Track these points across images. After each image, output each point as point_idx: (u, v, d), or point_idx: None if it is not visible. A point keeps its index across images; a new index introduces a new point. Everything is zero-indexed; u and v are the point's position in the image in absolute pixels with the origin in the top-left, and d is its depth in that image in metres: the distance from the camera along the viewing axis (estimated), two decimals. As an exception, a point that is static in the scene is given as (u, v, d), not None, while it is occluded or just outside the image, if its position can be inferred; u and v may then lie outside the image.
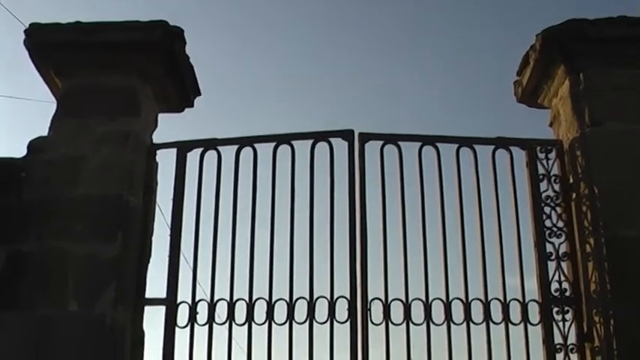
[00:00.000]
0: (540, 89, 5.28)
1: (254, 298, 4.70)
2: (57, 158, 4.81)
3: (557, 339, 4.67)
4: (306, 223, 4.81)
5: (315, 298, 4.69)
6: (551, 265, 4.78)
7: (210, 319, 4.70)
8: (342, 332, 4.66)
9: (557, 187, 4.91)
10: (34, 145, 4.89)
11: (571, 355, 4.66)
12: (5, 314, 4.53)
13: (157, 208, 5.03)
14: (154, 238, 4.94)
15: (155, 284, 4.86)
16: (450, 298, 4.71)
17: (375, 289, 4.70)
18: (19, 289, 4.56)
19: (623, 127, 4.82)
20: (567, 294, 4.75)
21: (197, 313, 4.71)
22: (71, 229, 4.64)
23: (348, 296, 4.68)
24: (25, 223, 4.69)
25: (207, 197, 4.87)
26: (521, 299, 4.72)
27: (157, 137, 5.19)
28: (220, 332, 4.74)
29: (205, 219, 4.84)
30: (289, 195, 4.87)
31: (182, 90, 5.29)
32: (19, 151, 4.93)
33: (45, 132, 4.93)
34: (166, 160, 5.03)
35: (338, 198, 4.82)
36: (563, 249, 4.82)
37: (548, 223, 4.84)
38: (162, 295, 4.78)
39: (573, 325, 4.70)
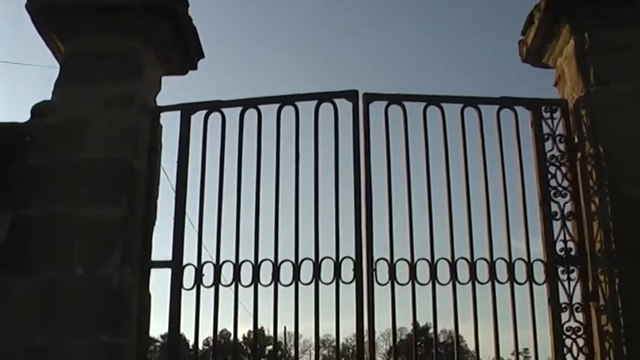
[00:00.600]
0: (545, 49, 5.25)
1: (260, 260, 4.72)
2: (61, 122, 4.81)
3: (563, 298, 4.69)
4: (311, 184, 4.81)
5: (320, 259, 4.70)
6: (557, 225, 4.79)
7: (216, 280, 4.72)
8: (348, 293, 4.69)
9: (562, 146, 4.90)
10: (38, 110, 4.88)
11: (576, 314, 4.67)
12: (13, 278, 4.56)
13: (161, 172, 5.02)
14: (159, 202, 4.95)
15: (161, 247, 4.88)
16: (456, 257, 4.72)
17: (380, 249, 4.72)
18: (26, 253, 4.59)
19: (629, 86, 4.79)
20: (572, 253, 4.75)
21: (203, 275, 4.73)
22: (76, 194, 4.65)
23: (353, 257, 4.69)
24: (30, 188, 4.70)
25: (212, 159, 4.87)
26: (526, 259, 4.73)
27: (161, 101, 5.19)
28: (226, 294, 4.78)
29: (210, 181, 4.85)
30: (294, 156, 4.87)
31: (185, 52, 5.26)
32: (22, 117, 4.94)
33: (48, 98, 4.92)
34: (171, 123, 5.03)
35: (343, 159, 4.83)
36: (568, 208, 4.82)
37: (553, 182, 4.84)
38: (168, 257, 4.80)
39: (578, 284, 4.71)
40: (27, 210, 4.66)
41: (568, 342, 4.63)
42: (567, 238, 4.77)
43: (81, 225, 4.60)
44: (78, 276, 4.52)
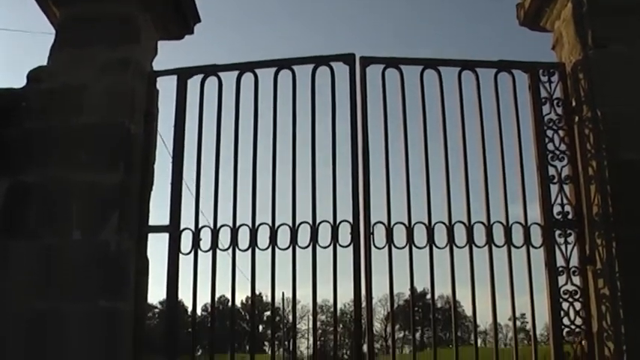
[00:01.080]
0: (543, 12, 5.21)
1: (257, 224, 4.72)
2: (57, 87, 4.81)
3: (560, 262, 4.70)
4: (308, 148, 4.80)
5: (317, 222, 4.70)
6: (554, 189, 4.79)
7: (214, 245, 4.72)
8: (345, 257, 4.69)
9: (559, 110, 4.89)
10: (34, 75, 4.87)
11: (573, 277, 4.68)
12: (11, 243, 4.58)
13: (158, 137, 5.01)
14: (156, 167, 4.95)
15: (158, 212, 4.88)
16: (453, 221, 4.72)
17: (377, 213, 4.72)
18: (24, 218, 4.60)
19: (627, 49, 4.77)
20: (569, 217, 4.76)
21: (200, 239, 4.74)
22: (73, 159, 4.66)
23: (350, 220, 4.70)
24: (27, 153, 4.71)
25: (209, 124, 4.87)
26: (523, 222, 4.73)
27: (157, 65, 5.18)
28: (224, 259, 4.79)
29: (207, 146, 4.84)
30: (291, 120, 4.85)
31: (181, 17, 5.23)
32: (17, 84, 4.93)
33: (44, 64, 4.91)
34: (167, 88, 5.01)
35: (340, 122, 4.80)
36: (565, 172, 4.82)
37: (550, 146, 4.83)
38: (166, 222, 4.80)
39: (575, 248, 4.72)
40: (24, 175, 4.67)
41: (565, 305, 4.65)
42: (564, 201, 4.77)
43: (78, 190, 4.61)
44: (76, 241, 4.54)
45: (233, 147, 4.84)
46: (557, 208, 4.76)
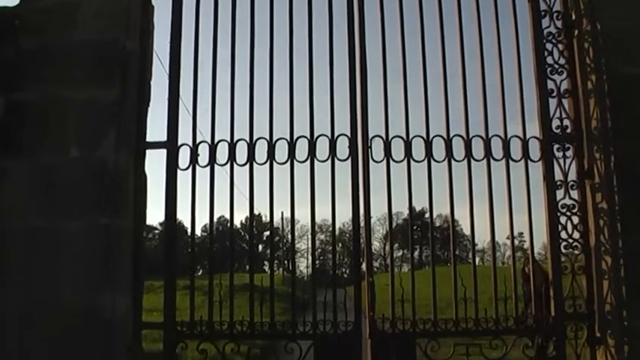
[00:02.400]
0: None
1: (255, 138, 4.71)
2: (51, 5, 4.74)
3: (558, 176, 4.70)
4: (305, 60, 4.77)
5: (315, 136, 4.70)
6: (552, 103, 4.77)
7: (212, 160, 4.73)
8: (344, 170, 4.69)
9: (559, 23, 4.84)
10: (27, -7, 4.79)
11: (571, 191, 4.69)
12: (8, 162, 4.57)
13: (154, 54, 4.96)
14: (152, 84, 4.90)
15: (156, 129, 4.86)
16: (451, 135, 4.71)
17: (375, 126, 4.72)
18: (20, 137, 4.59)
19: (627, -40, 4.70)
20: (568, 131, 4.75)
21: (198, 155, 4.74)
22: (69, 76, 4.63)
23: (348, 134, 4.69)
24: (22, 72, 4.67)
25: (205, 38, 4.80)
26: (522, 136, 4.72)
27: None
28: (222, 178, 4.79)
29: (204, 60, 4.81)
30: (287, 30, 4.81)
31: None
32: (10, 2, 4.88)
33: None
34: (162, 5, 4.95)
35: (337, 33, 4.77)
36: (564, 86, 4.79)
37: (549, 60, 4.79)
38: (163, 138, 4.77)
39: (574, 162, 4.73)
40: (20, 94, 4.65)
41: (563, 219, 4.67)
42: (563, 115, 4.76)
43: (74, 108, 4.59)
44: (73, 158, 4.53)
45: (230, 60, 4.79)
46: (555, 122, 4.74)
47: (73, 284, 4.39)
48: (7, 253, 4.43)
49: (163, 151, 4.77)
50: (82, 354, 4.31)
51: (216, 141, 4.73)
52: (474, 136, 4.70)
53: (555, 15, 4.84)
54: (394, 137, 4.69)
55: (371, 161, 4.68)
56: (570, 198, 4.68)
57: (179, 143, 4.75)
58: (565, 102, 4.77)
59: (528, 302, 6.06)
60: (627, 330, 4.40)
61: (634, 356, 4.37)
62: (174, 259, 4.71)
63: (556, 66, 4.79)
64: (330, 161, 4.66)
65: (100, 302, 4.36)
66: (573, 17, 4.80)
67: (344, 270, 52.48)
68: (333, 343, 4.57)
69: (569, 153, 4.72)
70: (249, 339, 4.71)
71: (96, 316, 4.35)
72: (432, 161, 4.68)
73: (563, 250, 4.67)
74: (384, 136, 4.68)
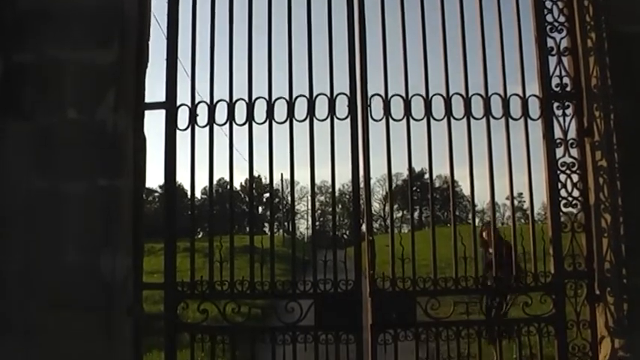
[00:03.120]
0: None
1: (254, 98, 4.69)
2: (48, -35, 4.69)
3: (558, 134, 4.70)
4: (304, 18, 4.73)
5: (314, 95, 4.68)
6: (552, 61, 4.75)
7: (211, 120, 4.72)
8: (343, 129, 4.68)
9: (558, -20, 4.80)
10: (24, -47, 4.75)
11: (571, 149, 4.70)
12: (7, 123, 4.55)
13: (152, 16, 4.93)
14: (150, 45, 4.87)
15: (154, 90, 4.84)
16: (450, 93, 4.70)
17: (374, 85, 4.70)
18: (20, 98, 4.57)
19: None
20: (568, 89, 4.74)
21: (197, 115, 4.73)
22: (67, 37, 4.59)
23: (347, 93, 4.68)
24: (20, 33, 4.63)
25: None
26: (521, 94, 4.70)
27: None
28: (221, 140, 4.78)
29: (202, 20, 4.76)
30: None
31: None
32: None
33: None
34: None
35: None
36: (564, 44, 4.77)
37: (549, 17, 4.77)
38: (162, 99, 4.76)
39: (573, 120, 4.72)
40: (19, 55, 4.61)
41: (562, 177, 4.68)
42: (563, 73, 4.75)
43: (73, 69, 4.56)
44: (72, 120, 4.52)
45: (228, 20, 4.75)
46: (555, 80, 4.73)
47: (74, 245, 4.40)
48: (8, 214, 4.43)
49: (162, 114, 4.75)
50: (83, 314, 4.32)
51: (215, 101, 4.70)
52: (473, 95, 4.69)
53: (555, -28, 4.80)
54: (393, 96, 4.67)
55: (370, 120, 4.66)
56: (570, 156, 4.68)
57: (178, 104, 4.73)
58: (565, 60, 4.76)
59: (487, 266, 6.16)
60: (626, 288, 4.43)
61: (633, 313, 4.40)
62: (174, 216, 4.71)
63: (556, 24, 4.76)
64: (329, 120, 4.65)
65: (101, 263, 4.37)
66: (573, -26, 4.77)
67: (344, 231, 52.60)
68: (333, 302, 4.58)
69: (569, 111, 4.71)
70: (250, 298, 4.74)
71: (96, 277, 4.37)
72: (432, 120, 4.66)
73: (563, 209, 4.67)
74: (383, 94, 4.66)
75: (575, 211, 4.69)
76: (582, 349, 4.58)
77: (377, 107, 4.66)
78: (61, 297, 4.35)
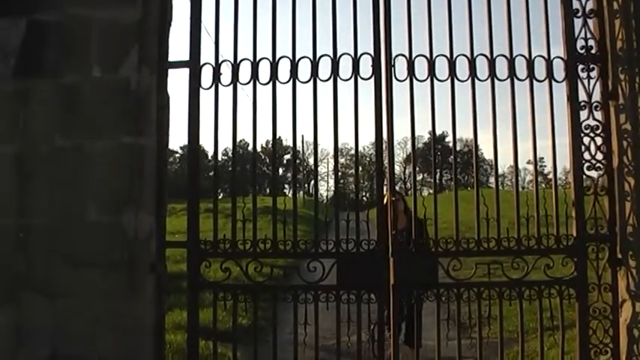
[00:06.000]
0: None
1: (277, 57, 4.68)
2: None
3: (582, 96, 4.66)
4: (329, -23, 4.70)
5: (338, 55, 4.66)
6: (578, 22, 4.69)
7: (235, 79, 4.71)
8: (367, 89, 4.67)
9: (584, -57, 4.74)
10: None
11: (595, 112, 4.66)
12: (31, 82, 4.58)
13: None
14: (175, 3, 4.86)
15: (178, 48, 4.84)
16: (475, 54, 4.67)
17: (399, 45, 4.67)
18: (43, 57, 4.59)
19: None
20: (593, 51, 4.70)
21: (221, 74, 4.72)
22: (90, -5, 4.58)
23: (372, 53, 4.66)
24: (43, -8, 4.63)
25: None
26: (546, 56, 4.67)
27: None
28: (244, 100, 4.79)
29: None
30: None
31: None
32: None
33: None
34: None
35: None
36: (589, 6, 4.71)
37: (575, -22, 4.71)
38: (186, 57, 4.75)
39: (598, 83, 4.68)
40: (42, 14, 4.62)
41: (586, 140, 4.65)
42: (588, 36, 4.70)
43: (96, 27, 4.57)
44: (96, 78, 4.54)
45: (253, -22, 4.73)
46: (580, 43, 4.68)
47: (97, 203, 4.43)
48: (33, 171, 4.46)
49: (185, 74, 4.75)
50: (106, 272, 4.36)
51: (238, 60, 4.70)
52: (497, 56, 4.66)
53: None
54: (417, 56, 4.64)
55: (394, 80, 4.64)
56: (594, 119, 4.65)
57: (201, 62, 4.72)
58: (590, 22, 4.70)
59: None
60: (648, 251, 4.41)
61: (655, 277, 4.39)
62: (197, 174, 4.72)
63: (580, -16, 4.71)
64: (353, 80, 4.63)
65: (124, 220, 4.40)
66: (599, -64, 4.72)
67: (365, 193, 52.29)
68: (356, 261, 4.60)
69: (594, 74, 4.67)
70: (273, 257, 4.75)
71: (120, 234, 4.40)
72: (456, 81, 4.64)
73: (586, 172, 4.65)
74: (407, 54, 4.64)
75: (598, 174, 4.67)
76: (603, 313, 4.56)
77: (401, 67, 4.64)
78: (84, 254, 4.39)
